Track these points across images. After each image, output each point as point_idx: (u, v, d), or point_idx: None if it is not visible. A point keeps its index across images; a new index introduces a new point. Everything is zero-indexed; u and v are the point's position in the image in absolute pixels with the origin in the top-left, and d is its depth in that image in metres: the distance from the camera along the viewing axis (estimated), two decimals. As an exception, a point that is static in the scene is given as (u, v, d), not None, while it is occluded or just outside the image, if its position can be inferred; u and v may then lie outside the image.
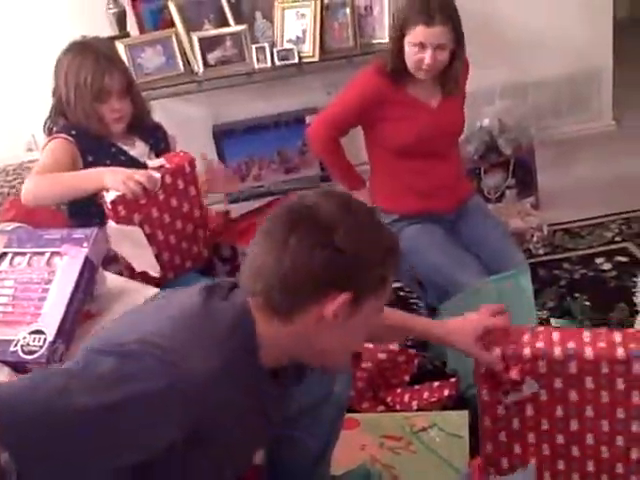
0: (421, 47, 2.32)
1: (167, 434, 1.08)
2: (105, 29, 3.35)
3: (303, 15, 3.47)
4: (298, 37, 3.47)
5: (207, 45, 3.45)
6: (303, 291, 1.15)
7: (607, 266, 2.83)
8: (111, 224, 1.94)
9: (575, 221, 3.15)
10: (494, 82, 3.76)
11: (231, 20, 3.49)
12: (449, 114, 2.53)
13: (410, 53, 2.34)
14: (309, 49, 3.46)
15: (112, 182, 1.95)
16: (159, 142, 2.38)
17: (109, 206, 1.93)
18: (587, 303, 2.58)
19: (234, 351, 1.15)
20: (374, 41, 3.54)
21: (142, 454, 1.08)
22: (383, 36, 3.51)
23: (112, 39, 3.25)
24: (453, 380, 2.20)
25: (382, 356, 2.20)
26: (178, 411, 1.08)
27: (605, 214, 3.16)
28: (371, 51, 3.54)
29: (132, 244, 1.98)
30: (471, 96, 3.80)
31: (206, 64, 3.45)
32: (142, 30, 3.47)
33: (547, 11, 3.77)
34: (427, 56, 2.32)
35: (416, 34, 2.30)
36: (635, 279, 2.54)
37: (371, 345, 2.21)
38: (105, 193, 1.95)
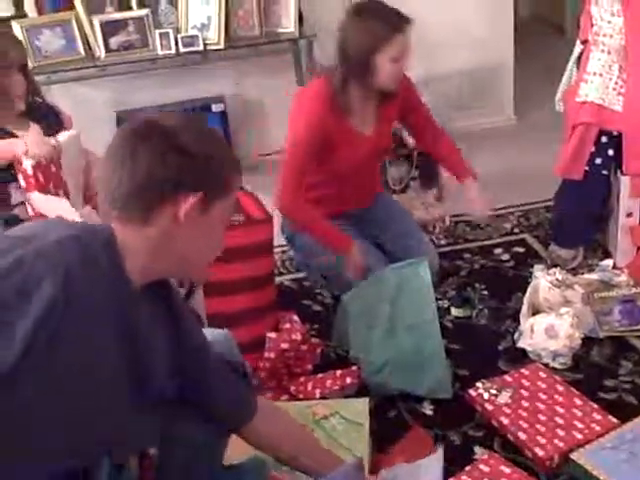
0: (399, 58, 2.33)
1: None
2: (1, 8, 3.23)
3: (208, 1, 3.42)
4: (203, 24, 3.43)
5: (109, 29, 3.38)
6: (157, 194, 1.20)
7: (505, 256, 2.90)
8: (36, 194, 1.94)
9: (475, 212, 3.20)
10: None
11: (134, 4, 3.42)
12: (383, 138, 2.58)
13: (389, 69, 2.34)
14: (214, 36, 3.42)
15: (29, 145, 2.03)
16: (52, 123, 2.33)
17: (30, 172, 1.94)
18: (485, 292, 2.65)
19: (96, 261, 1.16)
20: (280, 30, 3.53)
21: None
22: (289, 25, 3.51)
23: (8, 19, 3.14)
24: (355, 368, 2.21)
25: (285, 346, 2.19)
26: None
27: (504, 206, 3.23)
28: (277, 40, 3.54)
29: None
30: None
31: (108, 49, 3.37)
32: (41, 11, 3.36)
33: (450, 7, 3.84)
34: (404, 65, 2.36)
35: (397, 45, 2.30)
36: (531, 269, 2.60)
37: (274, 335, 2.21)
38: (24, 160, 2.00)
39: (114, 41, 3.38)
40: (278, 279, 2.74)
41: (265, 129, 3.85)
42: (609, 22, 2.60)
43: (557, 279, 2.44)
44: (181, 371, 1.37)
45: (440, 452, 1.71)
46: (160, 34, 3.37)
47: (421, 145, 2.88)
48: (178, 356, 1.36)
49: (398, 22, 2.31)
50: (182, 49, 3.39)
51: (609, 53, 2.57)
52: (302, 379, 2.19)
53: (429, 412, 2.10)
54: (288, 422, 1.63)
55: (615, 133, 2.58)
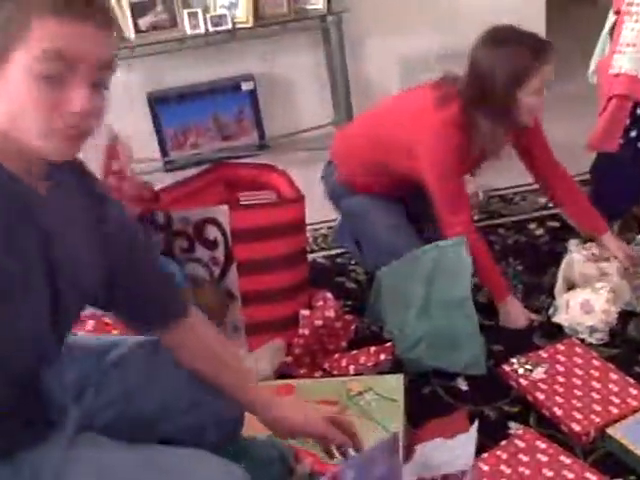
0: (542, 89, 2.18)
1: None
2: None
3: (238, -21, 3.41)
4: (231, 2, 3.42)
5: (138, 10, 3.38)
6: None
7: (540, 231, 2.87)
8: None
9: (509, 187, 3.18)
10: (429, 49, 3.79)
11: (163, -16, 3.42)
12: None
13: (531, 103, 2.19)
14: (243, 15, 3.41)
15: None
16: None
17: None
18: (520, 268, 2.63)
19: None
20: (308, 7, 3.52)
21: None
22: (317, 2, 3.48)
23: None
24: (389, 344, 2.21)
25: (319, 322, 2.20)
26: None
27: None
28: (305, 17, 3.52)
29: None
30: (406, 61, 3.84)
31: (137, 29, 3.37)
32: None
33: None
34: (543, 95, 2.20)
35: (542, 77, 2.14)
36: (566, 244, 2.57)
37: (307, 312, 2.22)
38: None
39: (143, 22, 3.39)
40: (311, 256, 2.75)
41: (295, 107, 3.85)
42: (643, -9, 2.55)
43: (593, 253, 2.42)
44: (108, 252, 1.31)
45: (474, 429, 1.71)
46: (189, 14, 3.36)
47: (541, 183, 2.64)
48: (104, 240, 1.29)
49: (544, 51, 2.15)
50: (211, 28, 3.39)
51: (644, 22, 2.52)
52: (336, 356, 2.20)
53: (464, 388, 2.10)
54: (216, 338, 1.52)
55: (651, 103, 2.54)
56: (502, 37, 2.19)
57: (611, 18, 2.71)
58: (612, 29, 2.68)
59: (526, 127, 2.33)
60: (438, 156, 2.25)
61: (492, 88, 2.16)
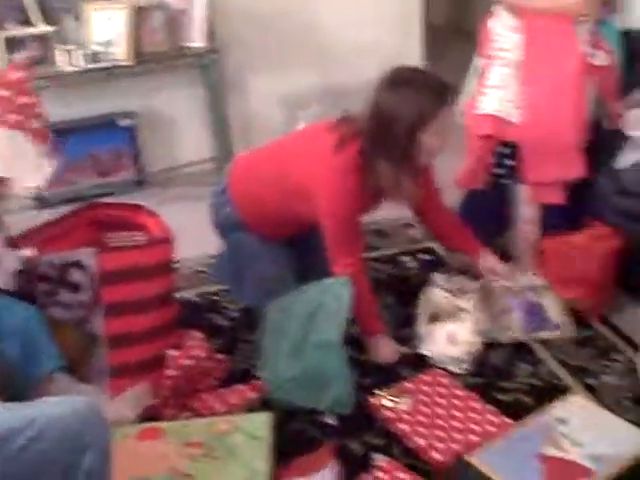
0: (445, 130, 2.19)
1: None
2: None
3: (114, 17, 3.40)
4: (110, 40, 3.40)
5: (13, 45, 3.32)
6: None
7: (412, 264, 2.96)
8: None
9: (384, 220, 3.22)
10: (309, 86, 3.86)
11: (39, 20, 3.38)
12: None
13: (433, 144, 2.19)
14: (122, 52, 3.40)
15: None
16: None
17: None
18: (391, 300, 2.70)
19: None
20: (189, 45, 3.54)
21: None
22: (197, 39, 3.51)
23: None
24: (259, 383, 2.23)
25: (188, 362, 2.20)
26: None
27: (412, 215, 3.28)
28: (185, 54, 3.54)
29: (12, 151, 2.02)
30: (286, 100, 3.90)
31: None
32: (-60, 28, 3.29)
33: (361, 19, 3.90)
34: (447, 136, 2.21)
35: (444, 119, 2.15)
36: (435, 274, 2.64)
37: (175, 352, 2.22)
38: None
39: (18, 57, 3.33)
40: (184, 294, 2.75)
41: (176, 143, 3.85)
42: (507, 37, 2.69)
43: (455, 287, 2.50)
44: None
45: (335, 465, 1.74)
46: (65, 50, 3.33)
47: (421, 218, 2.66)
48: None
49: (446, 93, 2.16)
50: (89, 65, 3.36)
51: (508, 67, 2.65)
52: (205, 395, 2.20)
53: (332, 422, 2.13)
54: None
55: (514, 144, 2.65)
56: (404, 79, 2.18)
57: (478, 60, 2.84)
58: (479, 71, 2.81)
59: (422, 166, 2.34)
60: (335, 200, 2.24)
61: (394, 131, 2.15)
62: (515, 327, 2.47)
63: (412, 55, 4.14)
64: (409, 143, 2.16)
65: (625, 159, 2.52)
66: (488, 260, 2.57)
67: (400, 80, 2.17)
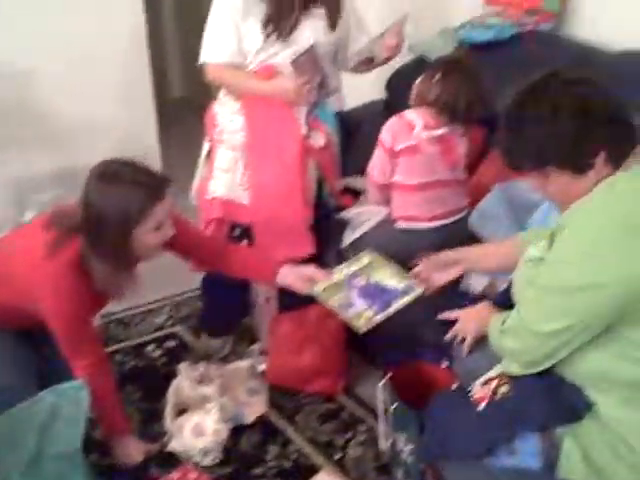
0: (163, 223, 2.12)
1: None
2: None
3: None
4: None
5: None
6: None
7: (157, 353, 2.91)
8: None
9: (127, 310, 3.16)
10: (41, 170, 3.70)
11: None
12: None
13: (151, 240, 2.11)
14: None
15: None
16: None
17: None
18: (138, 394, 2.63)
19: None
20: None
21: None
22: None
23: None
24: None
25: None
26: None
27: (156, 299, 3.25)
28: None
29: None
30: (16, 185, 3.70)
31: None
32: None
33: (89, 96, 3.76)
34: (169, 227, 2.15)
35: (158, 215, 2.07)
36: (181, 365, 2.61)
37: None
38: None
39: None
40: None
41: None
42: (231, 120, 2.76)
43: (201, 374, 2.49)
44: None
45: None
46: None
47: (201, 264, 2.62)
48: None
49: (159, 188, 2.08)
50: None
51: (233, 150, 2.72)
52: None
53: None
54: None
55: (246, 225, 2.71)
56: (113, 174, 2.07)
57: (206, 145, 2.89)
58: (208, 155, 2.86)
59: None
60: (59, 304, 2.11)
61: (106, 230, 2.06)
62: (366, 315, 2.21)
63: (147, 133, 4.11)
64: (124, 241, 2.08)
65: (347, 237, 2.67)
66: (288, 277, 2.41)
67: (109, 176, 2.07)
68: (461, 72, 2.51)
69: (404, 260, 2.40)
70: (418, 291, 2.21)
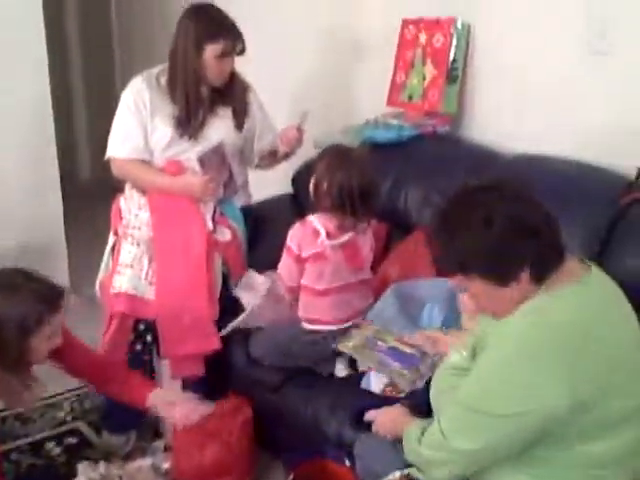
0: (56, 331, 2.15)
1: None
2: None
3: None
4: None
5: None
6: None
7: (57, 451, 2.82)
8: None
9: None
10: None
11: None
12: None
13: (45, 347, 2.13)
14: None
15: None
16: None
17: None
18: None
19: None
20: None
21: None
22: None
23: None
24: None
25: None
26: None
27: (58, 393, 3.16)
28: None
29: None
30: None
31: None
32: None
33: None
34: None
35: (54, 324, 2.10)
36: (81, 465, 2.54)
37: None
38: None
39: None
40: None
41: None
42: (137, 215, 2.78)
43: (101, 474, 2.43)
44: None
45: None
46: None
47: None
48: None
49: (55, 297, 2.12)
50: None
51: (138, 245, 2.73)
52: None
53: None
54: None
55: (151, 320, 2.70)
56: (6, 284, 2.10)
57: (111, 238, 2.89)
58: (113, 248, 2.85)
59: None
60: None
61: (2, 336, 2.05)
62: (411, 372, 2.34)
63: (53, 221, 4.02)
64: (19, 351, 2.08)
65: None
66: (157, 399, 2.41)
67: (6, 285, 2.10)
68: (348, 158, 2.53)
69: (307, 359, 2.47)
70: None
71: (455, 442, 1.63)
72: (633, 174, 2.51)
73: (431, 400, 1.87)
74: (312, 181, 2.57)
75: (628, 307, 1.72)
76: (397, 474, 1.84)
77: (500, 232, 1.58)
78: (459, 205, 1.67)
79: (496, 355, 1.63)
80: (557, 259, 1.64)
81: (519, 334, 1.61)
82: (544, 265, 1.62)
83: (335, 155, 2.57)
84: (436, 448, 1.69)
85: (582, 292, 1.64)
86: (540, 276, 1.62)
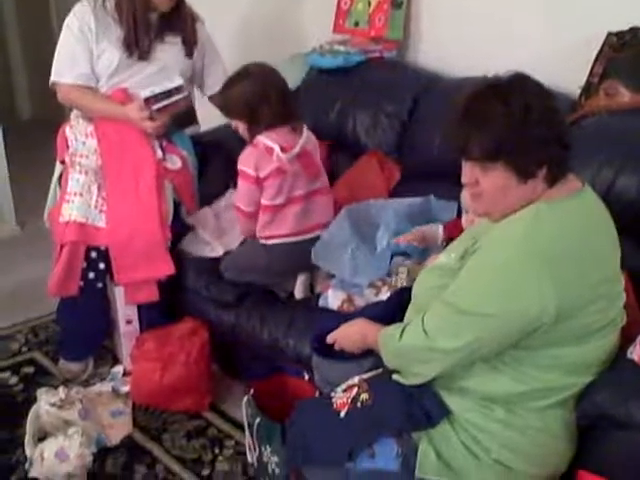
0: None
1: None
2: None
3: None
4: None
5: None
6: None
7: (14, 380, 2.83)
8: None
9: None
10: None
11: None
12: None
13: None
14: None
15: None
16: None
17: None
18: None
19: None
20: None
21: None
22: None
23: None
24: None
25: None
26: None
27: (11, 324, 3.16)
28: None
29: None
30: None
31: None
32: None
33: None
34: None
35: None
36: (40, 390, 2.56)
37: None
38: None
39: None
40: None
41: None
42: (84, 143, 2.76)
43: (61, 399, 2.45)
44: None
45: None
46: None
47: None
48: None
49: None
50: None
51: (87, 173, 2.71)
52: None
53: None
54: None
55: (103, 248, 2.70)
56: None
57: (58, 167, 2.86)
58: (60, 178, 2.83)
59: None
60: None
61: None
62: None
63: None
64: None
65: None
66: None
67: None
68: (248, 73, 2.56)
69: (272, 274, 2.51)
70: None
71: (438, 340, 1.67)
72: (576, 93, 2.56)
73: (413, 299, 1.90)
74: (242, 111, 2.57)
75: (614, 227, 1.77)
76: (356, 379, 1.87)
77: (538, 120, 1.59)
78: (488, 95, 1.64)
79: (487, 257, 1.67)
80: (567, 166, 1.69)
81: (512, 239, 1.64)
82: (560, 167, 1.65)
83: (239, 77, 2.58)
84: (420, 347, 1.71)
85: (577, 205, 1.69)
86: (554, 177, 1.65)
